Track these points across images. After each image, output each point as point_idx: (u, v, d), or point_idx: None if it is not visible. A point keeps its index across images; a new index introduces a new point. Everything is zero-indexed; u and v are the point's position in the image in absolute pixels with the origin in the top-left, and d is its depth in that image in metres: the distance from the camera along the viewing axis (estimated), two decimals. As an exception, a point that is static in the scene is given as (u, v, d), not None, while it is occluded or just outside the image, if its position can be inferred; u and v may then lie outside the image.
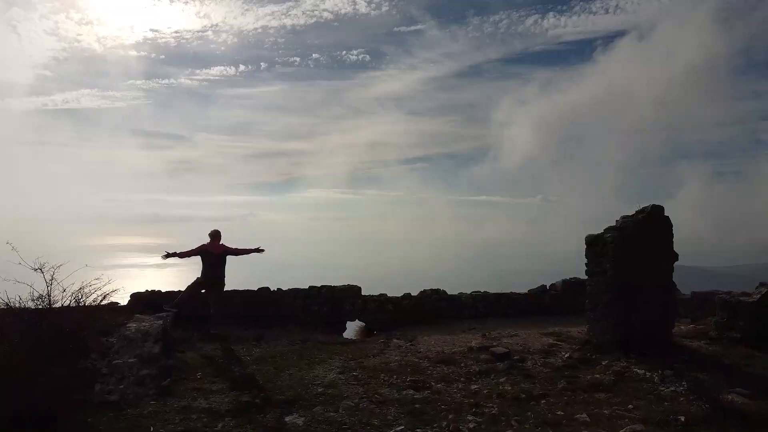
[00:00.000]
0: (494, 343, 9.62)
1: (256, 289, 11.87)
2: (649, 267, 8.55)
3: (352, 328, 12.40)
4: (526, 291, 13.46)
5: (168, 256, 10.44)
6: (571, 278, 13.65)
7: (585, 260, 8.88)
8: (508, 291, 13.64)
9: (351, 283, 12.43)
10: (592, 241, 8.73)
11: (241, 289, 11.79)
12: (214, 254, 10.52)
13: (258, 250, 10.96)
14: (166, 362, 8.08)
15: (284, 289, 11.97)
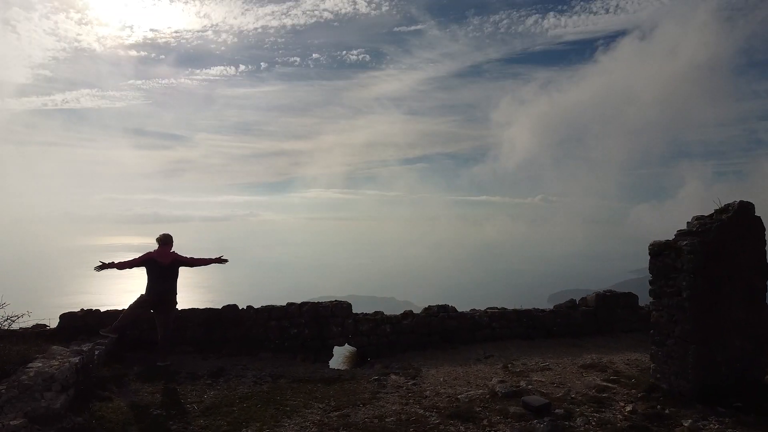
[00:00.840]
0: (522, 383, 7.34)
1: (219, 307, 9.57)
2: (738, 285, 6.28)
3: (340, 354, 10.12)
4: (552, 306, 11.18)
5: (103, 267, 8.14)
6: (605, 291, 11.38)
7: (649, 276, 6.60)
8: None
9: (338, 299, 10.12)
10: (659, 251, 6.44)
11: (200, 307, 9.50)
12: (162, 265, 8.25)
13: (220, 260, 8.70)
14: (72, 421, 5.80)
15: (256, 307, 9.68)
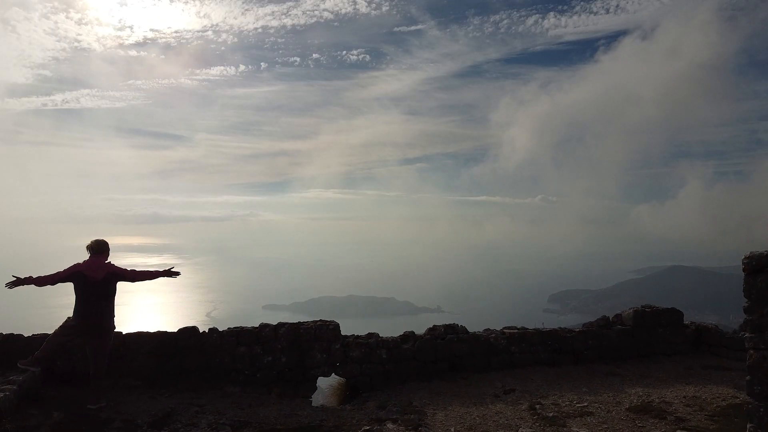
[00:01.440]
0: (560, 438, 5.53)
1: (175, 330, 7.75)
2: None
3: (326, 385, 8.33)
4: (581, 325, 9.38)
5: (17, 283, 6.33)
6: (643, 306, 9.58)
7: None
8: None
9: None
10: (760, 265, 4.62)
11: (151, 330, 7.69)
12: (93, 280, 6.43)
13: (170, 273, 6.89)
14: None
15: (221, 329, 7.86)
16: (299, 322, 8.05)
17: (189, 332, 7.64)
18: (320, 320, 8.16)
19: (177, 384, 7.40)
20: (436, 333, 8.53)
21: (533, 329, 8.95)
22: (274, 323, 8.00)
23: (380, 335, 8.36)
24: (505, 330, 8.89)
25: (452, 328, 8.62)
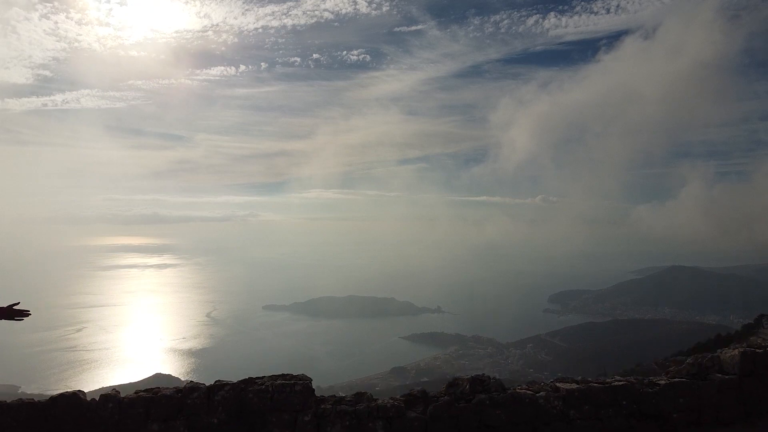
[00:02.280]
0: None
1: (52, 395, 4.88)
2: None
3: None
4: (664, 374, 6.52)
5: None
6: (751, 346, 6.71)
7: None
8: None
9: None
10: None
11: (25, 397, 4.82)
12: None
13: (10, 314, 4.07)
14: None
15: (125, 396, 4.98)
16: (248, 379, 5.20)
17: (68, 401, 4.78)
18: (281, 376, 5.31)
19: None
20: (459, 390, 5.68)
21: (599, 382, 6.08)
22: (208, 382, 5.15)
23: (373, 397, 5.49)
24: (558, 384, 6.02)
25: (481, 383, 5.76)
